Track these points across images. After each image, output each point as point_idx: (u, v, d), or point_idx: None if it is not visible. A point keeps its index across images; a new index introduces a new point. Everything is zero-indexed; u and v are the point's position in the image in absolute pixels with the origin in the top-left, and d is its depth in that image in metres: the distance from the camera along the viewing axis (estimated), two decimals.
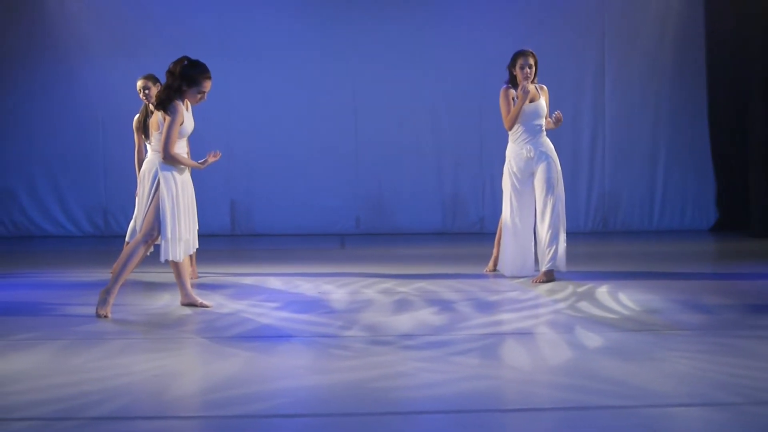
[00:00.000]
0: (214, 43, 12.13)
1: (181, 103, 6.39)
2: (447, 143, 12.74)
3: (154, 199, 6.44)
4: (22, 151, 12.48)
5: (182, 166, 6.50)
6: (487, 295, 7.33)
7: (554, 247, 7.81)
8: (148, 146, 8.14)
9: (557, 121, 7.99)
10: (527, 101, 7.90)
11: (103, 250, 9.71)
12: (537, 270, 8.02)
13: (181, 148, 6.50)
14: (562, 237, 7.87)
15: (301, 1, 12.70)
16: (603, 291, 7.31)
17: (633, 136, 12.86)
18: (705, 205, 12.96)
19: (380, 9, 12.69)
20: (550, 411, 4.12)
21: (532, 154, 7.93)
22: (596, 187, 12.88)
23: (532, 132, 7.97)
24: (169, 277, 8.10)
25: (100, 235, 12.46)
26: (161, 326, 6.07)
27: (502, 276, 8.16)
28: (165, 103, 6.38)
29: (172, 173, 6.44)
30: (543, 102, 8.03)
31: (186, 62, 6.42)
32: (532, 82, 7.94)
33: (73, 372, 4.79)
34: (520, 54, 7.90)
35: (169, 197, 6.40)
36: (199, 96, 6.46)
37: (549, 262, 7.82)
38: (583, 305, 6.69)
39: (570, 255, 8.33)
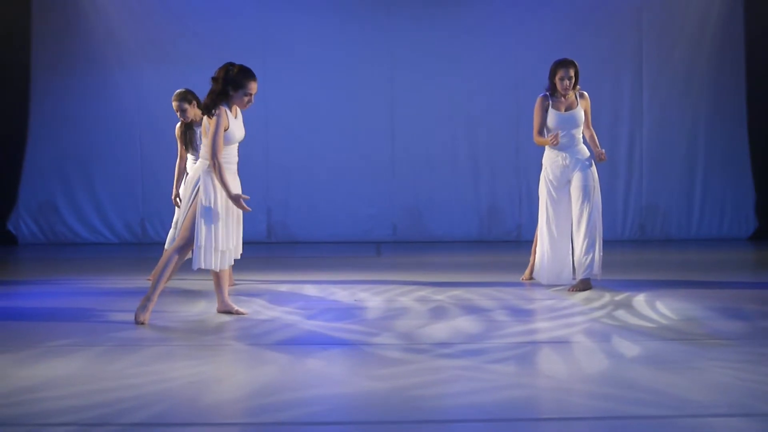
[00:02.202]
0: (252, 50, 12.19)
1: (226, 109, 6.40)
2: (484, 151, 12.72)
3: (193, 206, 6.45)
4: (60, 158, 12.62)
5: (229, 170, 6.45)
6: (524, 303, 7.30)
7: (591, 255, 7.75)
8: (190, 157, 8.23)
9: (599, 158, 7.84)
10: (562, 110, 7.89)
11: (141, 257, 9.79)
12: (574, 278, 7.98)
13: (230, 155, 6.50)
14: (599, 245, 7.82)
15: (340, 9, 12.74)
16: (640, 299, 7.25)
17: (671, 143, 12.77)
18: (744, 213, 12.84)
19: (418, 17, 12.71)
20: (587, 420, 4.09)
21: (567, 162, 7.89)
22: (633, 194, 12.79)
23: (569, 140, 7.92)
24: (206, 284, 8.15)
25: (138, 243, 12.55)
26: (198, 333, 6.09)
27: (539, 284, 8.11)
28: (210, 108, 6.41)
29: (213, 180, 6.45)
30: (581, 110, 7.98)
31: (230, 67, 6.45)
32: (573, 89, 7.91)
33: (110, 378, 4.82)
34: (561, 65, 7.85)
35: (207, 204, 6.40)
36: (246, 99, 6.45)
37: (586, 270, 7.76)
38: (620, 314, 6.64)
39: (607, 263, 8.29)
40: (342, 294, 7.76)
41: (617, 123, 12.72)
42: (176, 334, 6.13)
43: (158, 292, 6.49)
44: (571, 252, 8.01)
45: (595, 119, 12.65)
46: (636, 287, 7.90)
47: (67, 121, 12.60)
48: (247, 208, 6.41)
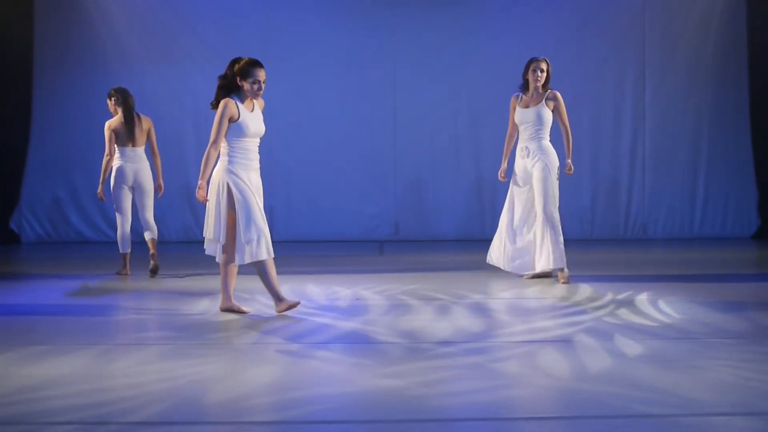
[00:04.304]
0: (255, 49, 12.02)
1: (236, 101, 6.42)
2: (485, 150, 12.70)
3: (237, 208, 6.42)
4: (62, 156, 12.62)
5: (249, 166, 6.46)
6: (526, 302, 7.30)
7: (556, 246, 8.05)
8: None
9: (567, 170, 8.32)
10: (525, 106, 8.33)
11: (143, 256, 9.77)
12: (533, 269, 8.30)
13: (248, 150, 6.47)
14: (555, 236, 8.07)
15: (342, 9, 12.74)
16: (643, 298, 7.24)
17: (673, 142, 12.77)
18: (747, 212, 12.83)
19: (421, 17, 12.71)
20: (589, 419, 4.08)
21: (526, 154, 8.31)
22: (636, 193, 12.79)
23: (531, 134, 8.33)
24: (207, 283, 8.16)
25: (140, 241, 12.52)
26: (200, 332, 6.09)
27: (541, 282, 8.12)
28: (215, 102, 6.46)
29: (238, 176, 6.41)
30: (545, 109, 8.28)
31: (236, 61, 6.50)
32: (543, 87, 8.31)
33: (113, 377, 4.83)
34: (533, 60, 8.39)
35: (242, 199, 6.38)
36: (255, 86, 6.45)
37: (550, 262, 8.07)
38: (623, 313, 6.63)
39: (610, 261, 8.38)
40: (345, 292, 7.76)
41: (620, 122, 12.72)
42: (179, 332, 6.13)
43: (276, 289, 6.59)
44: (531, 242, 8.30)
45: (598, 118, 12.67)
46: (639, 286, 7.89)
47: (69, 120, 12.60)
48: (206, 199, 6.41)
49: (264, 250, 6.46)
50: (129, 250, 9.02)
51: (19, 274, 9.75)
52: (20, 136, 12.54)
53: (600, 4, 12.73)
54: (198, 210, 12.19)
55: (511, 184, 8.46)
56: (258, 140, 6.60)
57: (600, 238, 12.61)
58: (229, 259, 6.56)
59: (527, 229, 8.36)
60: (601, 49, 12.60)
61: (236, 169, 6.43)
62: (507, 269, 8.40)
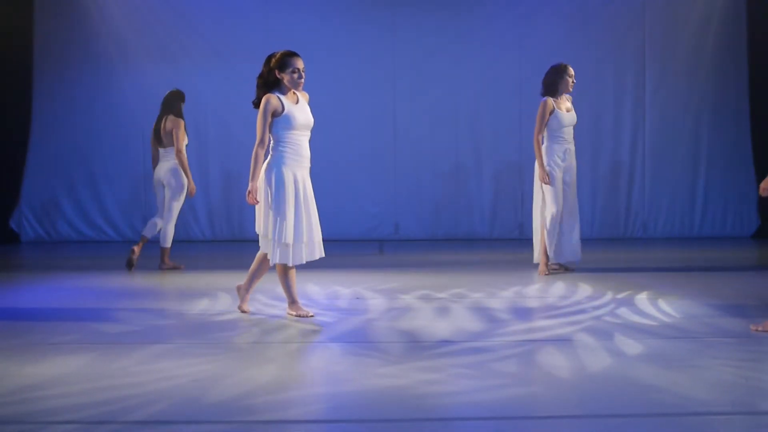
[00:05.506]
0: (255, 49, 12.15)
1: (273, 95, 6.29)
2: (486, 149, 12.72)
3: (272, 206, 6.34)
4: (62, 156, 12.62)
5: (300, 163, 6.37)
6: (526, 301, 7.30)
7: (577, 239, 8.70)
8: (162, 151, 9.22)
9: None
10: (565, 110, 8.57)
11: (143, 255, 9.79)
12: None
13: (297, 145, 6.36)
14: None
15: (342, 9, 12.73)
16: (642, 298, 7.25)
17: (673, 141, 12.77)
18: (746, 212, 12.83)
19: (421, 17, 12.71)
20: (589, 418, 4.09)
21: (570, 155, 8.64)
22: (636, 192, 12.79)
23: (570, 136, 8.68)
24: (208, 282, 8.16)
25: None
26: (200, 331, 6.10)
27: (540, 281, 8.13)
28: (257, 101, 6.41)
29: (284, 173, 6.30)
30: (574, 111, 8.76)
31: (271, 56, 6.40)
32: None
33: (113, 376, 4.83)
34: (566, 65, 8.65)
35: (276, 197, 6.30)
36: (295, 75, 6.33)
37: (578, 254, 8.69)
38: (623, 312, 6.64)
39: (610, 261, 8.40)
40: (344, 292, 7.76)
41: (620, 120, 12.72)
42: (179, 332, 6.14)
43: (293, 293, 6.53)
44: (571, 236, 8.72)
45: (598, 117, 12.68)
46: (638, 285, 7.90)
47: (69, 120, 12.60)
48: (256, 200, 6.33)
49: (278, 255, 6.36)
50: (149, 236, 9.33)
51: (19, 273, 9.75)
52: (20, 136, 12.54)
53: (600, 4, 12.73)
54: (197, 209, 12.20)
55: (550, 186, 8.51)
56: (308, 133, 6.46)
57: (600, 237, 12.61)
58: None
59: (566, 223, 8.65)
60: (601, 49, 12.60)
61: (285, 166, 6.31)
62: (562, 261, 8.68)
